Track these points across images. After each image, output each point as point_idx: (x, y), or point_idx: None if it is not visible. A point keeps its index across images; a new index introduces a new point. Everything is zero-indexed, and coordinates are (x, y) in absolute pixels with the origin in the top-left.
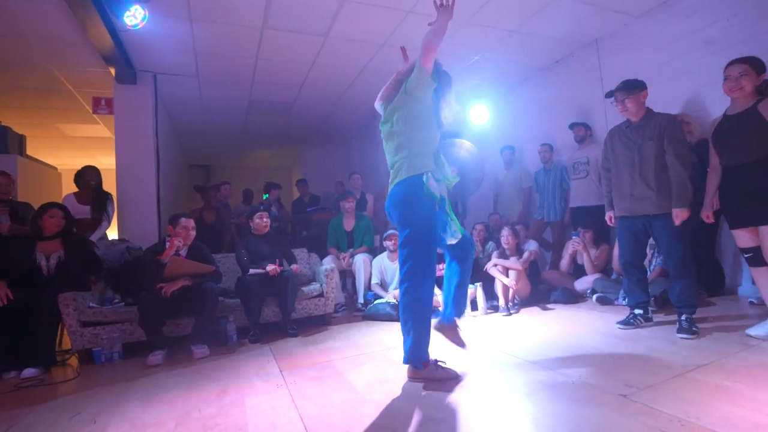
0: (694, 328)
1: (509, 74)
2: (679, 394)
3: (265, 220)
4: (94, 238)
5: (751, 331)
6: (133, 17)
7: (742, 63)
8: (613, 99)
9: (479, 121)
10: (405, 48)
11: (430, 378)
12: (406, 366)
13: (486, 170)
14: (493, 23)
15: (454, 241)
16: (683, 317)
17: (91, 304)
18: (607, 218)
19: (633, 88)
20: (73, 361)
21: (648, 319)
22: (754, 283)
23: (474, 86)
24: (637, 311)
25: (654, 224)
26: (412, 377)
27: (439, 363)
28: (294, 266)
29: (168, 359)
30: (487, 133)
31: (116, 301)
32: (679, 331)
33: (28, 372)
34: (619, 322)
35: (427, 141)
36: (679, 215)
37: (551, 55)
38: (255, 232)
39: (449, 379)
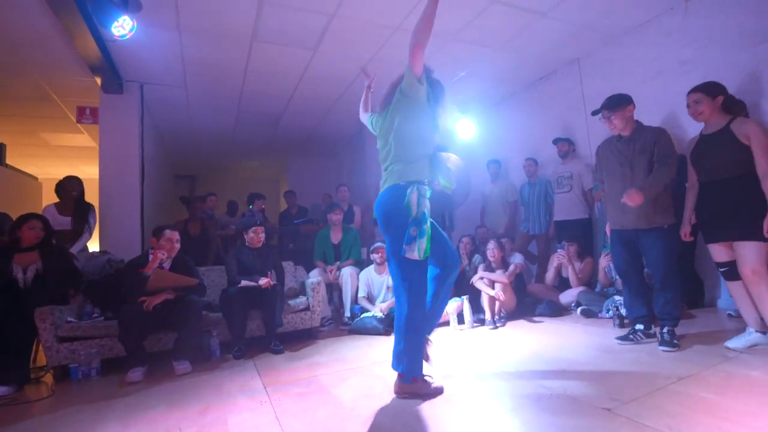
0: (675, 341)
1: (495, 90)
2: (661, 407)
3: (260, 235)
4: (74, 250)
5: (730, 344)
6: (121, 28)
7: (696, 91)
8: (600, 116)
9: (466, 136)
10: (365, 68)
11: (418, 393)
12: (394, 380)
13: (472, 184)
14: (479, 40)
15: (411, 256)
16: (665, 329)
17: (69, 318)
18: (606, 229)
19: (618, 104)
20: (48, 378)
21: (650, 335)
22: (731, 295)
23: (461, 101)
24: (638, 326)
25: (642, 237)
26: (400, 392)
27: (425, 378)
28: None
29: (148, 376)
30: (473, 147)
31: (95, 315)
32: (661, 343)
33: (0, 390)
34: (618, 338)
35: (422, 146)
36: (633, 196)
37: (535, 72)
38: (249, 245)
39: (436, 395)
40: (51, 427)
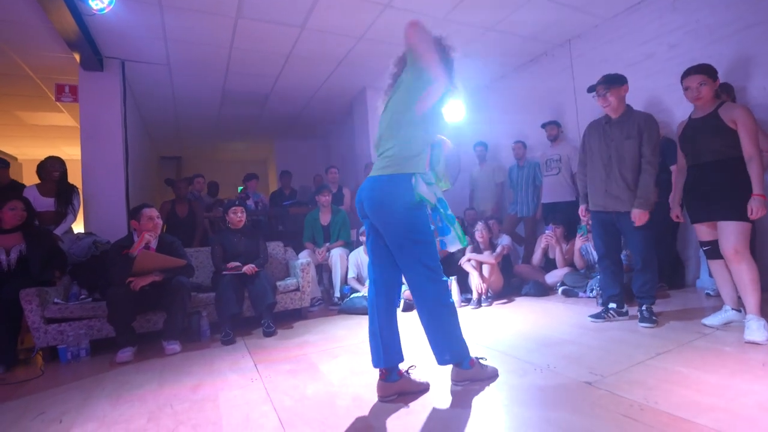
0: (654, 318)
1: (485, 72)
2: (639, 380)
3: (239, 215)
4: (58, 232)
5: (707, 321)
6: (99, 1)
7: (699, 73)
8: (594, 93)
9: (455, 118)
10: None
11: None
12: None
13: (462, 166)
14: (468, 20)
15: (454, 248)
16: (644, 307)
17: (55, 300)
18: (580, 210)
19: (614, 82)
20: (37, 359)
21: (622, 313)
22: (710, 275)
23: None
24: (611, 305)
25: (622, 220)
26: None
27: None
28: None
29: (138, 356)
30: (463, 129)
31: (83, 296)
32: (641, 320)
33: None
34: (591, 315)
35: (422, 138)
36: (640, 216)
37: (526, 55)
38: (230, 226)
39: (421, 392)
40: (40, 406)
